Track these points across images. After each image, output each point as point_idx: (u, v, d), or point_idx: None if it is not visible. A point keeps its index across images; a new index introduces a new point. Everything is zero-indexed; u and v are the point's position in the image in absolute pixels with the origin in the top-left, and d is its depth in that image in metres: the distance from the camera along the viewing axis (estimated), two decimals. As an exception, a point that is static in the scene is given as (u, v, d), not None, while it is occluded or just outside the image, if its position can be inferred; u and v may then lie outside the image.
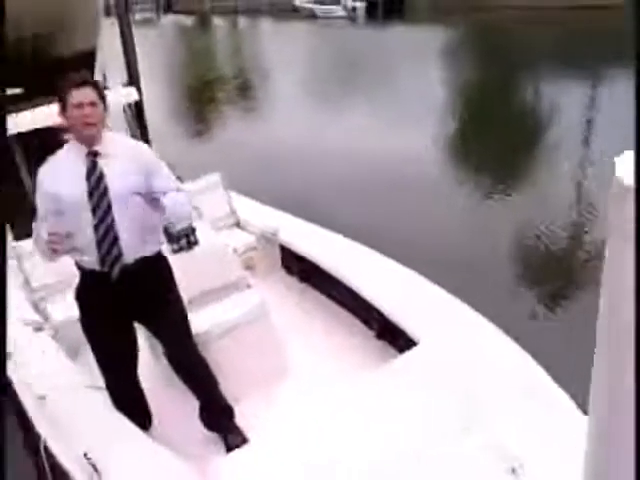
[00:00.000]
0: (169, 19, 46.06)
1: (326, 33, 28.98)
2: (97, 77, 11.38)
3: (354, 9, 32.39)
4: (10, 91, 12.45)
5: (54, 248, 2.56)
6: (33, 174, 5.25)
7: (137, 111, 6.89)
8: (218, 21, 40.95)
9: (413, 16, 30.06)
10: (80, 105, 2.61)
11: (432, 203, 7.47)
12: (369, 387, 2.98)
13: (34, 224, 2.80)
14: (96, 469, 2.49)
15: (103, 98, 2.71)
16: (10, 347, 3.77)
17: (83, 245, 2.71)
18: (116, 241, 2.70)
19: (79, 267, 2.85)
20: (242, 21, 39.63)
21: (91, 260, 2.74)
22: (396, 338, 3.53)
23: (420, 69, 16.53)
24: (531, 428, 2.48)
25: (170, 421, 3.20)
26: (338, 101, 13.86)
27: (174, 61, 23.89)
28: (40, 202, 2.77)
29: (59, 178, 2.71)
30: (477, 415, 2.56)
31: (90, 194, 2.66)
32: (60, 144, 2.85)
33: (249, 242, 4.81)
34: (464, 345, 3.11)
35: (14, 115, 5.30)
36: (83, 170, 2.68)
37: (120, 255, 2.72)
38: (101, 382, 3.18)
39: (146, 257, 2.82)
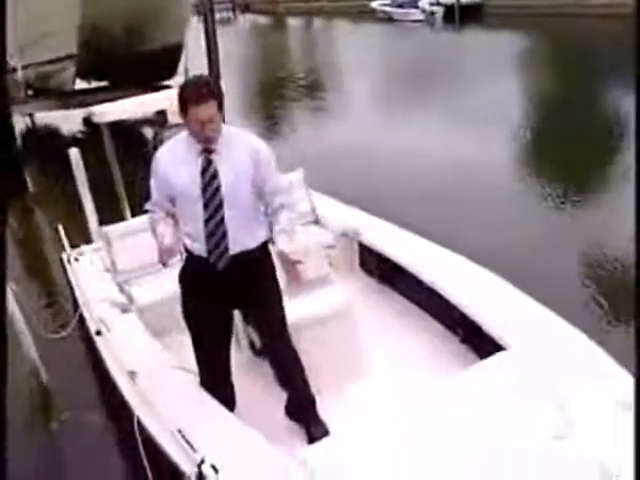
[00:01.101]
0: (246, 18, 46.85)
1: (402, 36, 28.71)
2: (180, 71, 11.68)
3: (432, 13, 31.95)
4: (95, 84, 13.01)
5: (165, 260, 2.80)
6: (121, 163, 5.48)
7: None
8: (293, 21, 41.30)
9: (491, 21, 29.45)
10: (201, 122, 2.63)
11: (503, 212, 7.28)
12: (455, 388, 2.94)
13: (148, 206, 2.92)
14: (191, 445, 2.57)
15: (221, 105, 2.71)
16: (99, 326, 3.95)
17: (193, 234, 2.81)
18: (225, 236, 2.78)
19: (186, 250, 2.94)
20: (317, 22, 39.82)
21: (200, 248, 2.83)
22: (481, 343, 3.46)
23: (496, 75, 16.16)
24: (627, 441, 2.39)
25: (251, 408, 3.25)
26: (411, 104, 13.71)
27: (248, 57, 24.27)
28: (154, 186, 2.87)
29: (174, 167, 2.78)
30: (571, 424, 2.50)
31: (204, 190, 2.72)
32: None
33: (327, 240, 4.80)
34: (555, 352, 3.04)
35: (100, 106, 5.49)
36: (197, 163, 2.73)
37: (227, 250, 2.80)
38: (186, 363, 3.28)
39: (252, 249, 2.87)
